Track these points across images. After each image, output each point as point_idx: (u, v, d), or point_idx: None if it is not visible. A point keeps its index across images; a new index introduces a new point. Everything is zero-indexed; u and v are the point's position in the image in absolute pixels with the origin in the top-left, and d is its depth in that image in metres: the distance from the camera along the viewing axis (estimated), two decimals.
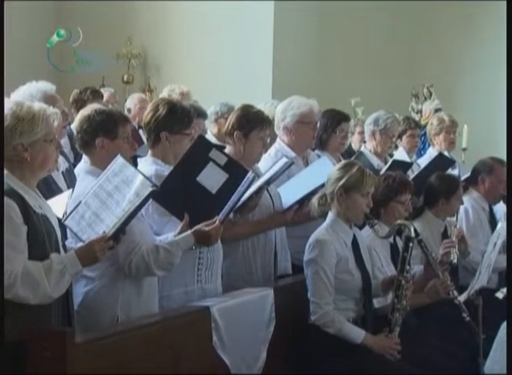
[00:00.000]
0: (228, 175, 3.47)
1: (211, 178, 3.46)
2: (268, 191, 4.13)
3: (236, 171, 3.49)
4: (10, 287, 2.80)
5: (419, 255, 4.32)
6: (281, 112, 4.61)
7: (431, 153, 6.32)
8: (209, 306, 3.47)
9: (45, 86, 4.21)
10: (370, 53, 10.01)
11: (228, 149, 4.07)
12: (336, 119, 4.93)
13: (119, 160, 3.20)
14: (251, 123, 4.08)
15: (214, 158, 3.48)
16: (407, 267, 3.85)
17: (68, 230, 3.21)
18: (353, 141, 6.72)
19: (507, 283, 3.93)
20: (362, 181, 3.84)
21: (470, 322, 4.08)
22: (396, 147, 6.10)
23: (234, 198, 3.47)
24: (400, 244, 4.07)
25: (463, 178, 5.43)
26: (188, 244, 3.36)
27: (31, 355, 2.84)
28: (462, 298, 4.19)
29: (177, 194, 3.42)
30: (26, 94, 4.06)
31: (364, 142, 5.88)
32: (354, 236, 3.93)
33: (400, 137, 6.00)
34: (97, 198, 3.14)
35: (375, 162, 5.51)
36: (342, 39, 9.96)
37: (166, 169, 3.54)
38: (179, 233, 3.40)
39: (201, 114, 4.98)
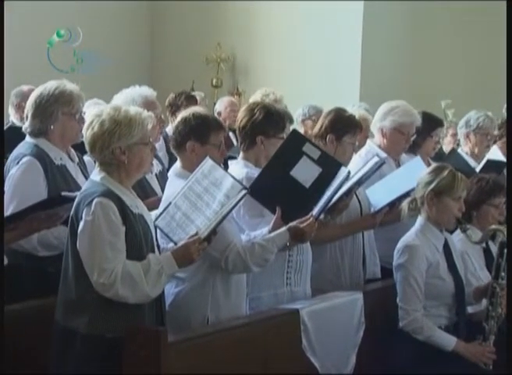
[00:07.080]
0: (321, 169, 3.45)
1: (305, 172, 3.45)
2: (356, 194, 4.08)
3: (329, 165, 3.48)
4: (111, 287, 2.86)
5: None
6: (383, 112, 4.55)
7: None
8: (298, 309, 3.47)
9: (146, 91, 4.25)
10: (461, 54, 9.79)
11: None
12: (432, 124, 4.84)
13: (208, 162, 3.23)
14: (345, 128, 4.07)
15: (307, 152, 3.47)
16: (502, 274, 3.76)
17: (158, 231, 3.25)
18: (445, 143, 6.57)
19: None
20: (453, 185, 3.76)
21: None
22: None
23: (329, 193, 3.45)
24: (494, 248, 3.96)
25: None
26: (283, 241, 3.36)
27: (127, 352, 2.89)
28: None
29: (271, 188, 3.42)
30: (127, 99, 4.12)
31: (458, 145, 5.73)
32: (446, 240, 3.85)
33: (495, 142, 5.82)
34: (187, 199, 3.17)
35: (472, 164, 5.38)
36: (432, 40, 9.78)
37: (257, 172, 3.54)
38: (273, 227, 3.41)
39: (289, 119, 5.00)
